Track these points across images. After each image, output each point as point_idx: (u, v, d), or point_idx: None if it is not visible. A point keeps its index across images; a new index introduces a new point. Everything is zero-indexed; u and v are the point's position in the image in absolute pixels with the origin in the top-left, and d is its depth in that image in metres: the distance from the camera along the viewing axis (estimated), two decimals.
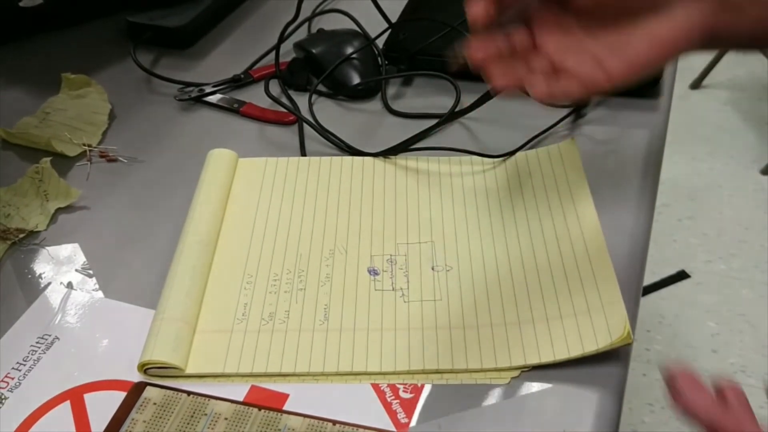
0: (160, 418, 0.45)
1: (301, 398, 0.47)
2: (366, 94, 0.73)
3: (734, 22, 0.45)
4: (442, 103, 0.70)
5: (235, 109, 0.72)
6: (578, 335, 0.48)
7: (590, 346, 0.47)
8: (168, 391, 0.47)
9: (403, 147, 0.64)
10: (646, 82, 0.70)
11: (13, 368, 0.49)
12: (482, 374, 0.48)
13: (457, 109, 0.68)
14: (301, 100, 0.72)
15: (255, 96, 0.74)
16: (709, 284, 1.62)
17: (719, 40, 0.46)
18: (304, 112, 0.71)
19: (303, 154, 0.66)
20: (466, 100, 0.68)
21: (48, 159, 0.64)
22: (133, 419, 0.45)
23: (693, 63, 2.15)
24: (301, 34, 0.80)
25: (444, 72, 0.72)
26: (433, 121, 0.67)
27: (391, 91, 0.74)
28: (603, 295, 0.50)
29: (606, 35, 0.45)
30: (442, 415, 0.46)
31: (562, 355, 0.47)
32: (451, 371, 0.48)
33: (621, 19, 0.45)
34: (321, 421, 0.45)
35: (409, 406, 0.46)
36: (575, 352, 0.47)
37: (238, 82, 0.75)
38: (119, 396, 0.47)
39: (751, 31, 0.46)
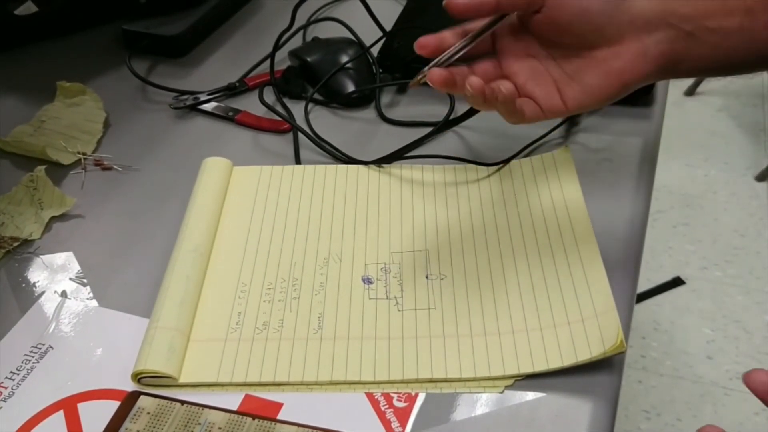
0: (154, 427, 0.45)
1: (295, 407, 0.47)
2: (360, 103, 0.73)
3: (691, 51, 0.47)
4: (437, 111, 0.70)
5: (230, 117, 0.72)
6: (572, 344, 0.48)
7: (583, 355, 0.47)
8: (162, 400, 0.47)
9: (398, 155, 0.65)
10: (639, 90, 0.70)
11: (6, 377, 0.49)
12: (476, 383, 0.48)
13: (451, 118, 0.68)
14: (296, 109, 0.73)
15: (250, 104, 0.74)
16: (704, 291, 1.62)
17: (678, 69, 0.48)
18: (299, 120, 0.71)
19: (298, 162, 0.67)
20: (461, 109, 0.69)
21: (42, 167, 0.64)
22: (126, 429, 0.45)
23: None
24: (296, 42, 0.80)
25: None
26: (428, 130, 0.67)
27: (385, 99, 0.74)
28: (596, 303, 0.50)
29: (568, 64, 0.47)
30: (436, 424, 0.46)
31: (555, 363, 0.47)
32: (445, 380, 0.48)
33: (582, 50, 0.47)
34: (315, 430, 0.45)
35: (403, 415, 0.46)
36: (568, 361, 0.47)
37: (233, 91, 0.76)
38: (113, 405, 0.47)
39: (710, 59, 0.47)
